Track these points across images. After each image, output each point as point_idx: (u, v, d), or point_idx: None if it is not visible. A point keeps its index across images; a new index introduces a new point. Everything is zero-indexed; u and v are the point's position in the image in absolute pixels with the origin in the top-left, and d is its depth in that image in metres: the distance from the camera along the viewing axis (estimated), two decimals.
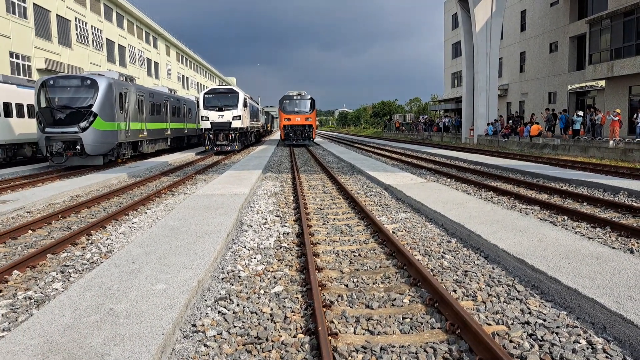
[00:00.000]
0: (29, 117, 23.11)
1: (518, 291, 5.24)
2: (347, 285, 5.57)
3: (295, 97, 35.78)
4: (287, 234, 8.02)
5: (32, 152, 23.83)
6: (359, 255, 6.77)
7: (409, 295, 5.21)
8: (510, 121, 35.27)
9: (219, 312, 4.78)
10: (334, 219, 9.27)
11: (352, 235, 7.88)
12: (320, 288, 5.34)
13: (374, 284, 5.63)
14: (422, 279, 5.39)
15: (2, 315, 4.87)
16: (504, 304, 4.93)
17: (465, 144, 37.78)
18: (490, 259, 6.42)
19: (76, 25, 39.65)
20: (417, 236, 7.72)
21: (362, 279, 5.77)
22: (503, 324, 4.46)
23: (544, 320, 4.49)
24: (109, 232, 8.61)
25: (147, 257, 6.06)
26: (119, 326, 4.03)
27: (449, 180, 14.87)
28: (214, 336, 4.26)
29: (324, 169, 18.20)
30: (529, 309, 4.76)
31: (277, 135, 71.59)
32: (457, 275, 5.79)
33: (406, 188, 11.75)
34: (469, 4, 35.67)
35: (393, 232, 7.98)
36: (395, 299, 5.08)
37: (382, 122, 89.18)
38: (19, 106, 22.58)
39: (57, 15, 36.64)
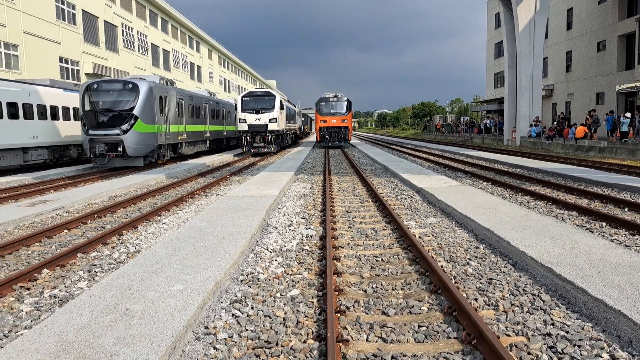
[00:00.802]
0: (75, 119, 24.04)
1: (543, 301, 5.02)
2: (365, 291, 5.48)
3: (331, 99, 35.78)
4: (311, 236, 7.99)
5: (78, 154, 24.77)
6: (382, 260, 6.66)
7: (427, 302, 5.08)
8: (555, 123, 34.10)
9: (233, 314, 4.79)
10: (360, 222, 9.18)
11: (377, 240, 7.77)
12: (337, 293, 5.27)
13: (393, 290, 5.52)
14: (443, 287, 5.24)
15: (26, 313, 5.04)
16: (527, 314, 4.73)
17: (507, 146, 36.78)
18: (517, 266, 6.19)
19: (123, 30, 41.00)
20: (444, 242, 7.53)
21: (381, 284, 5.66)
22: (523, 335, 4.27)
23: (567, 332, 4.28)
24: (139, 232, 8.82)
25: (170, 258, 6.15)
26: (132, 326, 4.10)
27: (485, 183, 14.49)
28: (225, 339, 4.27)
29: (356, 171, 18.09)
30: (552, 319, 4.55)
31: (314, 137, 71.84)
32: (481, 283, 5.60)
33: (438, 191, 11.51)
34: (511, 3, 34.75)
35: (419, 237, 7.82)
36: (413, 307, 4.96)
37: (421, 124, 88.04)
38: (65, 109, 23.53)
39: (105, 21, 38.00)
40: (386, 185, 14.45)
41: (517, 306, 4.93)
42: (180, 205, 11.71)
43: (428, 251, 6.89)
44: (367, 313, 4.88)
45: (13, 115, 19.57)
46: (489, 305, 4.99)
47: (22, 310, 5.10)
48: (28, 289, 5.83)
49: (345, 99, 35.76)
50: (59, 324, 4.16)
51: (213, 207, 9.93)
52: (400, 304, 5.07)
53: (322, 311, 4.84)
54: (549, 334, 4.25)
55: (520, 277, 5.78)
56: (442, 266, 6.24)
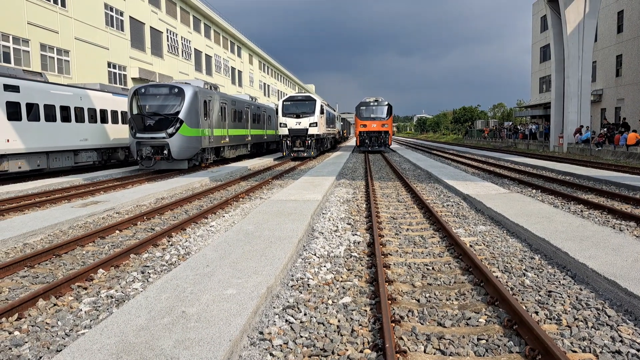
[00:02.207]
0: (122, 123, 24.76)
1: (609, 316, 4.78)
2: (418, 300, 5.36)
3: (371, 104, 35.62)
4: (358, 242, 7.91)
5: (125, 156, 25.51)
6: (433, 268, 6.51)
7: (485, 314, 4.92)
8: (605, 129, 32.84)
9: (287, 320, 4.77)
10: (407, 229, 9.03)
11: (426, 247, 7.62)
12: (389, 302, 5.18)
13: (447, 300, 5.38)
14: (501, 298, 5.06)
15: (85, 312, 5.16)
16: (592, 329, 4.51)
17: (554, 152, 35.67)
18: (577, 279, 5.93)
19: (167, 36, 42.07)
20: (497, 251, 7.31)
21: (434, 294, 5.53)
22: (590, 352, 4.07)
23: (638, 350, 4.05)
24: (188, 234, 8.95)
25: (221, 261, 6.20)
26: (189, 330, 4.12)
27: (534, 191, 14.05)
28: (280, 345, 4.25)
29: (398, 177, 17.89)
30: (620, 336, 4.32)
31: (353, 141, 71.63)
32: (540, 296, 5.39)
33: (486, 199, 11.23)
34: (559, 5, 33.73)
35: (470, 246, 7.62)
36: (470, 318, 4.81)
37: (462, 129, 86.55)
38: (114, 113, 24.27)
39: (151, 27, 39.09)
40: (431, 191, 14.21)
41: (581, 321, 4.71)
42: (226, 208, 11.84)
43: (481, 260, 6.70)
44: (422, 323, 4.77)
45: (65, 118, 20.32)
46: (550, 319, 4.80)
47: (81, 310, 5.22)
48: (85, 288, 5.98)
49: (386, 103, 35.53)
50: (119, 325, 4.23)
51: (258, 210, 9.99)
52: (456, 315, 4.93)
53: (377, 320, 4.75)
54: (619, 352, 4.04)
55: (581, 290, 5.53)
56: (497, 277, 6.05)
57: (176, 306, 4.66)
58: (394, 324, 4.61)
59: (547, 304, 5.15)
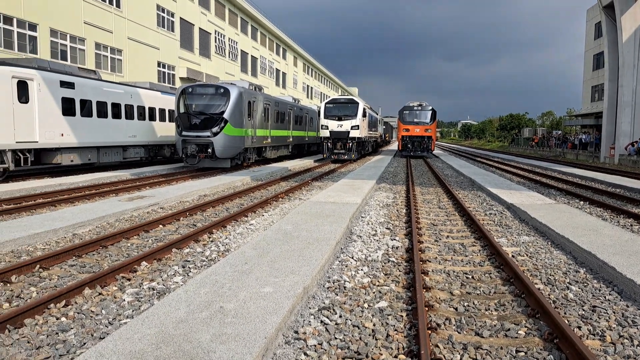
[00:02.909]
0: (169, 121, 25.46)
1: None
2: (456, 309, 5.27)
3: (415, 108, 35.27)
4: (397, 247, 7.85)
5: (170, 153, 26.21)
6: (472, 277, 6.39)
7: (525, 326, 4.79)
8: None
9: (322, 321, 4.78)
10: (448, 236, 8.89)
11: (466, 256, 7.48)
12: (426, 308, 5.12)
13: (486, 310, 5.27)
14: (542, 310, 4.92)
15: (128, 302, 5.34)
16: (638, 347, 4.32)
17: (604, 163, 34.31)
18: (624, 295, 5.69)
19: (215, 37, 42.99)
20: (540, 262, 7.10)
21: (473, 303, 5.42)
22: None
23: None
24: (228, 231, 9.11)
25: (259, 259, 6.28)
26: (226, 325, 4.20)
27: (582, 202, 13.56)
28: (315, 345, 4.27)
29: (440, 183, 17.63)
30: None
31: (395, 145, 71.07)
32: (584, 310, 5.20)
33: (531, 209, 10.92)
34: (615, 12, 32.48)
35: (512, 256, 7.43)
36: (509, 329, 4.69)
37: (509, 136, 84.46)
38: (162, 111, 25.00)
39: (200, 28, 40.04)
40: (473, 199, 13.94)
41: (627, 338, 4.52)
42: (266, 208, 11.99)
43: (523, 271, 6.52)
44: (459, 332, 4.69)
45: (116, 115, 21.07)
46: (594, 335, 4.62)
47: (124, 300, 5.41)
48: (129, 279, 6.19)
49: (430, 108, 35.11)
50: (159, 316, 4.36)
51: (297, 211, 10.06)
52: (495, 325, 4.82)
53: (412, 326, 4.71)
54: None
55: (627, 306, 5.31)
56: (539, 289, 5.88)
57: (214, 301, 4.76)
58: (430, 331, 4.55)
59: (590, 319, 4.97)
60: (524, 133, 70.69)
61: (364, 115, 30.22)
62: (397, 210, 11.58)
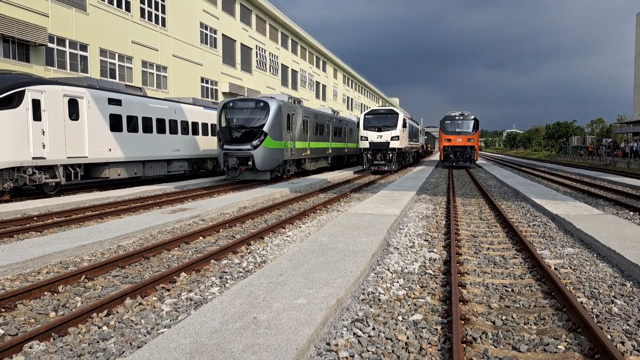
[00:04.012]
0: (211, 135, 26.08)
1: None
2: (493, 322, 5.13)
3: (457, 117, 34.75)
4: (434, 260, 7.72)
5: (213, 166, 26.80)
6: (512, 290, 6.21)
7: (565, 341, 4.61)
8: None
9: (354, 333, 4.76)
10: (488, 248, 8.68)
11: (507, 268, 7.28)
12: (462, 321, 5.01)
13: (525, 324, 5.11)
14: (583, 325, 4.73)
15: (166, 312, 5.48)
16: None
17: None
18: None
19: (256, 52, 43.86)
20: (584, 275, 6.82)
21: (512, 317, 5.27)
22: None
23: None
24: (265, 243, 9.22)
25: (294, 271, 6.32)
26: (259, 335, 4.25)
27: (631, 213, 12.96)
28: (347, 358, 4.25)
29: (482, 193, 17.25)
30: None
31: (436, 156, 70.17)
32: (628, 325, 4.96)
33: (577, 220, 10.53)
34: None
35: (555, 269, 7.18)
36: (548, 344, 4.53)
37: (556, 145, 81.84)
38: (204, 125, 25.65)
39: (241, 44, 40.96)
40: (516, 209, 13.57)
41: None
42: (303, 219, 12.06)
43: (565, 284, 6.29)
44: (495, 346, 4.56)
45: (160, 130, 21.77)
46: (638, 352, 4.40)
47: (162, 310, 5.55)
48: (168, 290, 6.36)
49: (472, 117, 34.52)
50: (194, 326, 4.45)
51: (334, 223, 10.07)
52: (534, 339, 4.67)
53: (447, 340, 4.62)
54: None
55: None
56: (582, 302, 5.65)
57: (248, 312, 4.82)
58: (464, 345, 4.45)
59: (636, 334, 4.73)
60: (572, 141, 68.35)
61: (404, 125, 30.00)
62: (437, 222, 11.41)
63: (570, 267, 7.27)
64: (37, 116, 15.22)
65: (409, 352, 4.37)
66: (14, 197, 15.63)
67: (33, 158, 15.07)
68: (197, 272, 7.19)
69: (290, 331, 4.34)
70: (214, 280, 6.70)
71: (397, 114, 29.20)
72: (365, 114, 29.59)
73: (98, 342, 4.72)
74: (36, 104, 15.19)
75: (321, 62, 64.16)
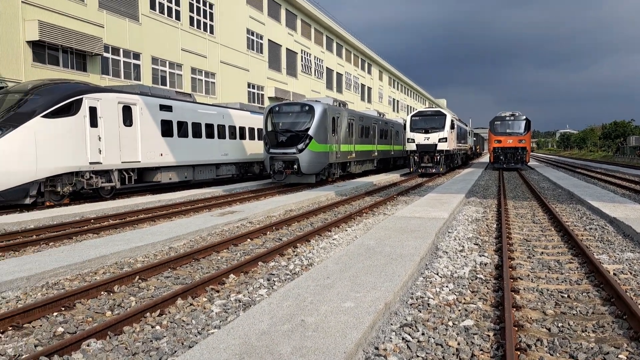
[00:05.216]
0: (258, 139, 26.48)
1: None
2: (549, 329, 4.93)
3: (507, 118, 33.83)
4: (485, 264, 7.52)
5: (259, 170, 27.20)
6: (568, 296, 5.95)
7: (626, 350, 4.37)
8: None
9: (403, 338, 4.69)
10: (542, 252, 8.37)
11: (562, 273, 6.99)
12: (515, 328, 4.84)
13: (583, 331, 4.88)
14: None
15: (216, 313, 5.58)
16: None
17: None
18: None
19: (302, 56, 44.24)
20: None
21: (568, 324, 5.05)
22: None
23: None
24: (312, 246, 9.25)
25: (341, 274, 6.30)
26: (306, 338, 4.25)
27: None
28: None
29: (535, 196, 16.67)
30: None
31: (486, 158, 68.43)
32: None
33: (637, 223, 9.99)
34: None
35: (614, 274, 6.84)
36: (608, 353, 4.31)
37: (613, 145, 78.23)
38: (251, 130, 26.08)
39: (287, 49, 41.44)
40: (571, 212, 13.03)
41: None
42: (349, 222, 12.03)
43: (626, 291, 5.98)
44: (551, 354, 4.38)
45: (209, 135, 22.29)
46: None
47: (212, 311, 5.66)
48: (218, 291, 6.48)
49: (524, 117, 33.52)
50: (243, 328, 4.50)
51: (381, 226, 9.98)
52: (592, 348, 4.45)
53: (500, 346, 4.47)
54: None
55: None
56: None
57: (296, 314, 4.83)
58: (518, 352, 4.30)
59: None
60: (630, 141, 65.13)
61: (452, 127, 29.47)
62: (487, 225, 11.11)
63: (631, 273, 6.91)
64: (93, 123, 15.90)
65: (459, 358, 4.26)
66: (72, 200, 16.38)
67: (90, 163, 15.74)
68: (245, 274, 7.29)
69: (338, 334, 4.32)
70: (261, 282, 6.77)
71: (445, 115, 28.72)
72: (411, 116, 29.27)
73: (151, 341, 4.86)
74: (93, 111, 15.88)
75: (366, 65, 63.98)
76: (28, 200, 14.12)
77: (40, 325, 5.35)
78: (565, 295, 5.98)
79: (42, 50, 20.87)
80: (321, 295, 5.45)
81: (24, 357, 4.43)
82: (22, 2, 19.82)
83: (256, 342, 4.17)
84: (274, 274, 7.18)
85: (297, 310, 4.94)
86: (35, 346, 4.81)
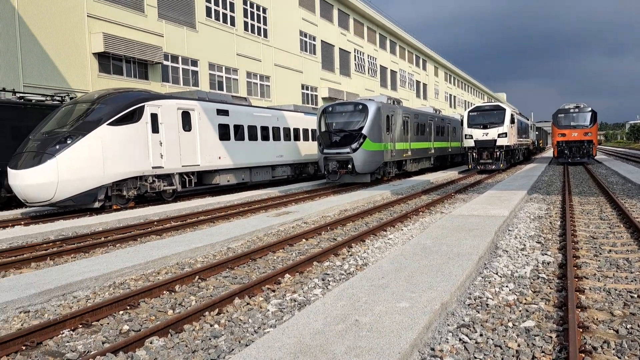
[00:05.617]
0: (312, 140, 26.68)
1: None
2: (617, 331, 4.67)
3: (571, 110, 32.27)
4: (548, 263, 7.21)
5: (314, 170, 27.40)
6: (638, 296, 5.61)
7: None
8: None
9: (460, 339, 4.58)
10: (610, 250, 7.93)
11: (632, 272, 6.60)
12: (580, 329, 4.62)
13: None
14: None
15: (272, 313, 5.68)
16: None
17: None
18: None
19: (355, 55, 44.17)
20: None
21: (638, 325, 4.76)
22: None
23: None
24: (366, 245, 9.22)
25: (396, 274, 6.24)
26: (360, 338, 4.24)
27: None
28: None
29: (603, 191, 15.82)
30: None
31: (549, 152, 65.59)
32: None
33: None
34: None
35: None
36: None
37: None
38: (305, 131, 26.31)
39: (340, 48, 41.50)
40: None
41: None
42: (405, 222, 11.88)
43: None
44: (619, 357, 4.14)
45: (265, 137, 22.70)
46: None
47: (268, 310, 5.77)
48: (273, 290, 6.59)
49: (589, 109, 31.85)
50: (298, 327, 4.56)
51: (437, 225, 9.80)
52: None
53: (563, 349, 4.28)
54: None
55: None
56: None
57: (350, 314, 4.84)
58: (583, 355, 4.10)
59: None
60: None
61: (512, 121, 28.48)
62: (550, 223, 10.66)
63: None
64: (155, 129, 16.58)
65: None
66: (137, 203, 17.16)
67: (153, 167, 16.43)
68: (300, 274, 7.37)
69: (393, 335, 4.28)
70: (316, 282, 6.83)
71: (504, 109, 27.79)
72: (469, 111, 28.53)
73: (210, 339, 5.02)
74: (154, 117, 16.56)
75: (421, 61, 62.99)
76: (97, 204, 14.93)
77: (108, 323, 5.65)
78: (635, 296, 5.64)
79: (107, 61, 22.02)
80: (375, 295, 5.42)
81: (92, 353, 4.70)
82: (87, 15, 20.98)
83: (310, 341, 4.21)
84: (328, 274, 7.22)
85: (351, 310, 4.94)
86: (103, 343, 5.08)
